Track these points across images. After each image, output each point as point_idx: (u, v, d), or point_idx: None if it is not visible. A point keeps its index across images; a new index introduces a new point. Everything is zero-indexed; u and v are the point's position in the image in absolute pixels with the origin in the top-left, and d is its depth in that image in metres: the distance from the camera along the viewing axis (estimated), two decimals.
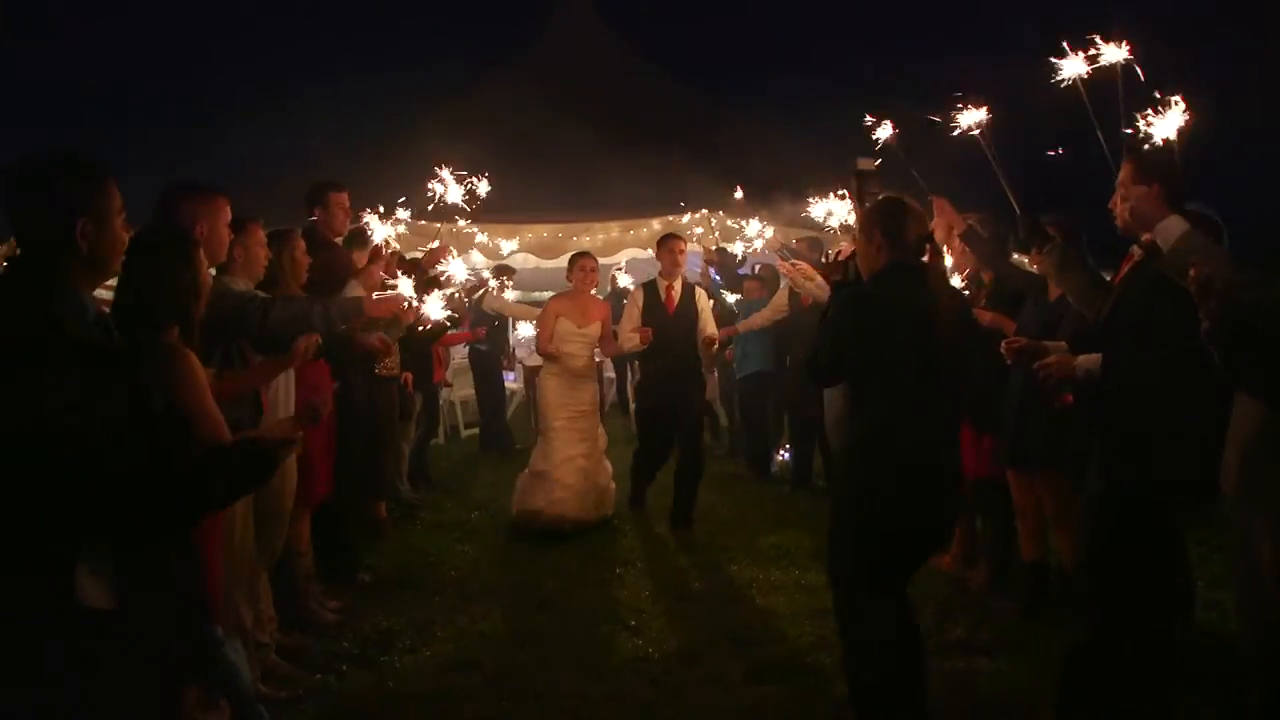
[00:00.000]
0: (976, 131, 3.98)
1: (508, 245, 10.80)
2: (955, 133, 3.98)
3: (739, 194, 9.06)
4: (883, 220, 3.66)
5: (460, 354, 11.69)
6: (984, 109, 3.99)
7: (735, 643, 4.82)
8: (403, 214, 5.20)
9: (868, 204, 4.11)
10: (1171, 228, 3.15)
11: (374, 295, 4.70)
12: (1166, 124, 3.32)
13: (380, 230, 4.92)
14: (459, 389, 11.88)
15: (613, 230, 10.83)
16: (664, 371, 7.13)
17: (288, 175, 10.02)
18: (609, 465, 7.42)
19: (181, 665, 2.57)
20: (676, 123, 12.70)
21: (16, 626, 2.07)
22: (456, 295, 7.88)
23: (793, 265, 5.71)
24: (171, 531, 2.30)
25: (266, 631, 4.30)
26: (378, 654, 4.67)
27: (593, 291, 7.46)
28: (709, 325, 7.33)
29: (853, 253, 3.92)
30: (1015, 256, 5.40)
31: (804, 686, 4.33)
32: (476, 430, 11.18)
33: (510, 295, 10.23)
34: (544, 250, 10.96)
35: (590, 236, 10.89)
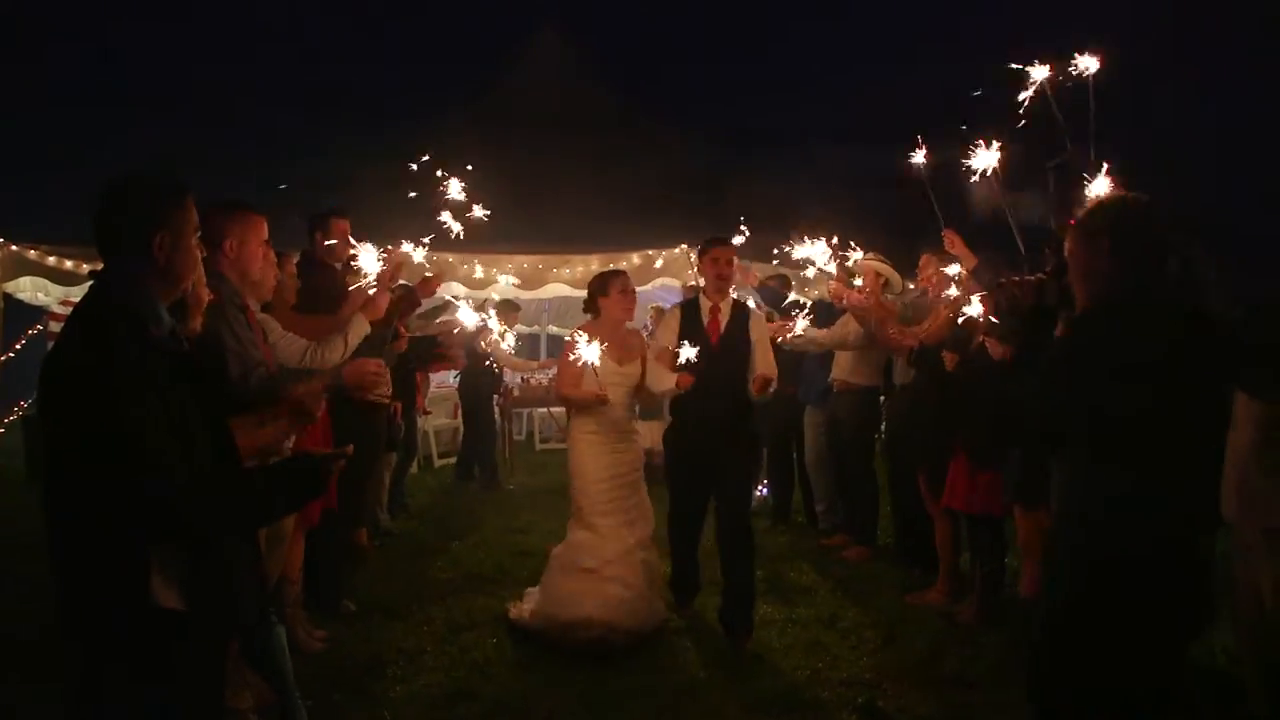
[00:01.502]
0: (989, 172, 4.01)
1: (503, 278, 10.82)
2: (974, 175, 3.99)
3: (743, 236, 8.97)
4: (1125, 226, 2.77)
5: (438, 380, 11.65)
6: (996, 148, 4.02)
7: (731, 677, 4.80)
8: (407, 246, 5.16)
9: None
10: None
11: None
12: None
13: (368, 261, 4.82)
14: (434, 418, 11.82)
15: (592, 263, 10.86)
16: (703, 418, 5.40)
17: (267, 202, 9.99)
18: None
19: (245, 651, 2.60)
20: (657, 157, 12.81)
21: (95, 627, 2.18)
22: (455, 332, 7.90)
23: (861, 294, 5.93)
24: (236, 532, 2.40)
25: None
26: (370, 683, 4.60)
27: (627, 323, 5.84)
28: (765, 360, 5.54)
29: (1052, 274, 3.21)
30: None
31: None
32: (452, 460, 11.09)
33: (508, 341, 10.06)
34: (525, 281, 10.97)
35: (570, 269, 10.95)
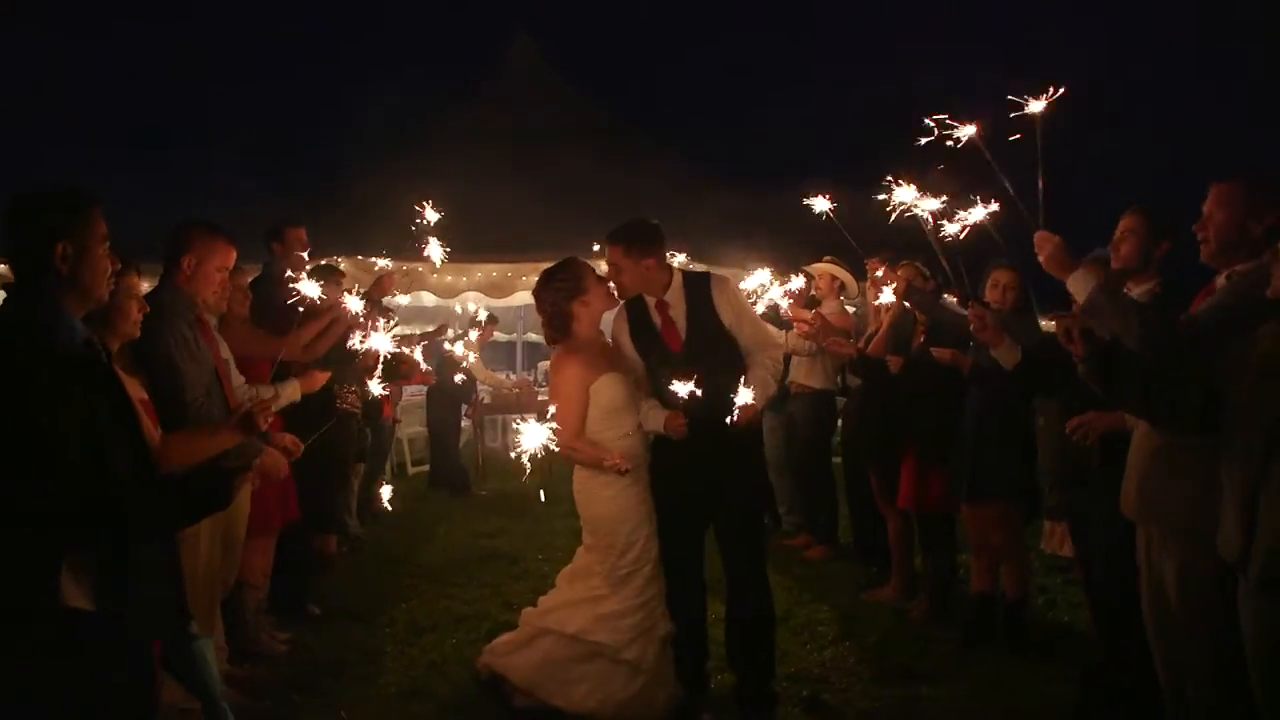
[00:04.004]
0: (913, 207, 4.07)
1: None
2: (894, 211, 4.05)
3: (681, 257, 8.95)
4: None
5: (412, 390, 11.73)
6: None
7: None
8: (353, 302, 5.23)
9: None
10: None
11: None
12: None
13: (309, 289, 4.83)
14: (407, 425, 11.89)
15: None
16: (689, 435, 4.11)
17: (224, 213, 10.07)
18: None
19: (159, 663, 2.65)
20: (627, 165, 12.92)
21: (3, 626, 2.19)
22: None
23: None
24: (150, 539, 2.41)
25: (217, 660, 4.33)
26: (329, 683, 4.70)
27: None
28: (755, 335, 4.40)
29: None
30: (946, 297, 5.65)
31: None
32: (425, 467, 11.19)
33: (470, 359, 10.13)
34: (493, 289, 11.06)
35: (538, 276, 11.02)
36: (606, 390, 4.17)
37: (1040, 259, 3.68)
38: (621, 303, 4.38)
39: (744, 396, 4.02)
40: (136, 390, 3.25)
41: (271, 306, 5.36)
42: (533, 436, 3.91)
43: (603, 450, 4.12)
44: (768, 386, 4.28)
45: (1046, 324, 4.34)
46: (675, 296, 4.33)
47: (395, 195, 6.52)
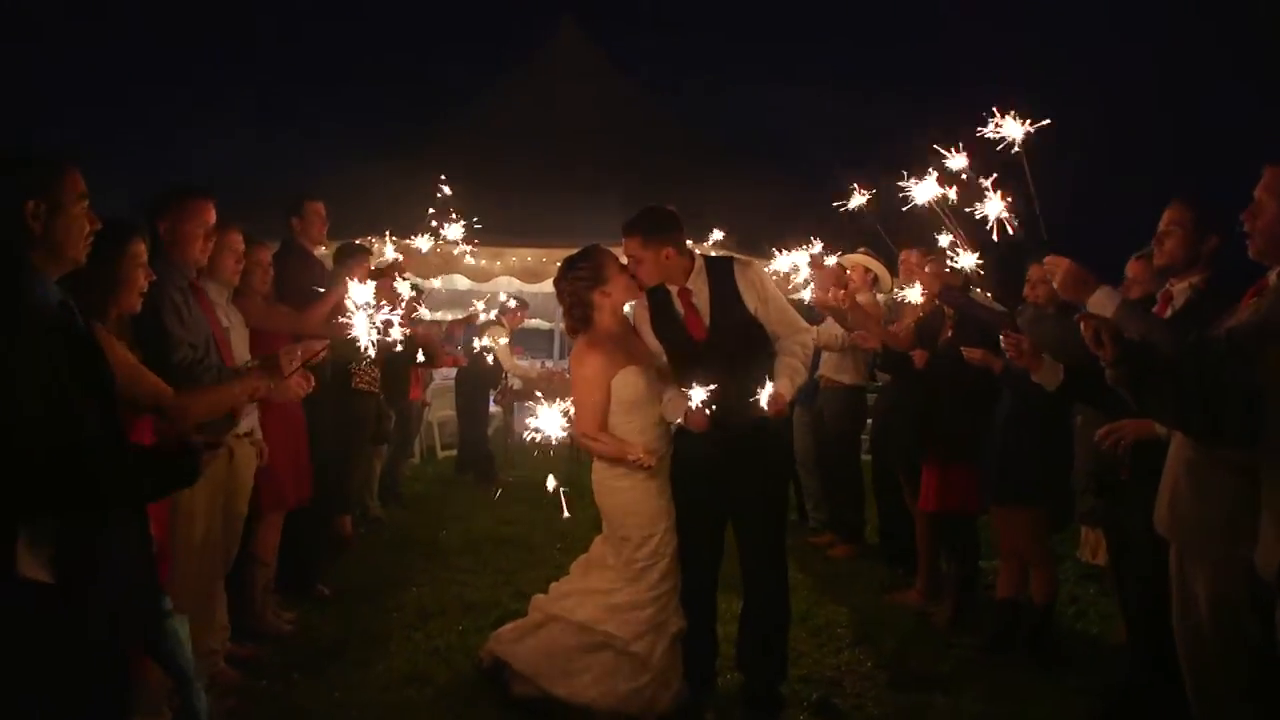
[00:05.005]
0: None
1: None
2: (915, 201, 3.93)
3: (718, 235, 8.88)
4: None
5: (444, 373, 11.67)
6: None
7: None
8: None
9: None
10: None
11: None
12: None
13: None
14: (438, 409, 11.84)
15: None
16: (701, 434, 3.93)
17: (271, 188, 10.06)
18: None
19: (128, 638, 2.55)
20: (669, 150, 12.78)
21: None
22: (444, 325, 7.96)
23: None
24: (114, 506, 2.33)
25: (218, 638, 4.26)
26: (329, 665, 4.62)
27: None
28: (784, 320, 4.19)
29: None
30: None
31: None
32: (454, 451, 11.12)
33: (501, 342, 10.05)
34: (527, 274, 10.98)
35: None
36: (628, 383, 4.02)
37: (1055, 286, 3.53)
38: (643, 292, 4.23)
39: (773, 385, 3.88)
40: (126, 353, 3.16)
41: (291, 281, 5.32)
42: (548, 423, 3.84)
43: (624, 443, 3.99)
44: (797, 374, 4.07)
45: None
46: (698, 283, 4.15)
47: (432, 178, 6.45)
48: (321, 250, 6.59)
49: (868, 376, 7.01)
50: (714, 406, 3.77)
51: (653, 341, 4.24)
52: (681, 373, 4.02)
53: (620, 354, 4.05)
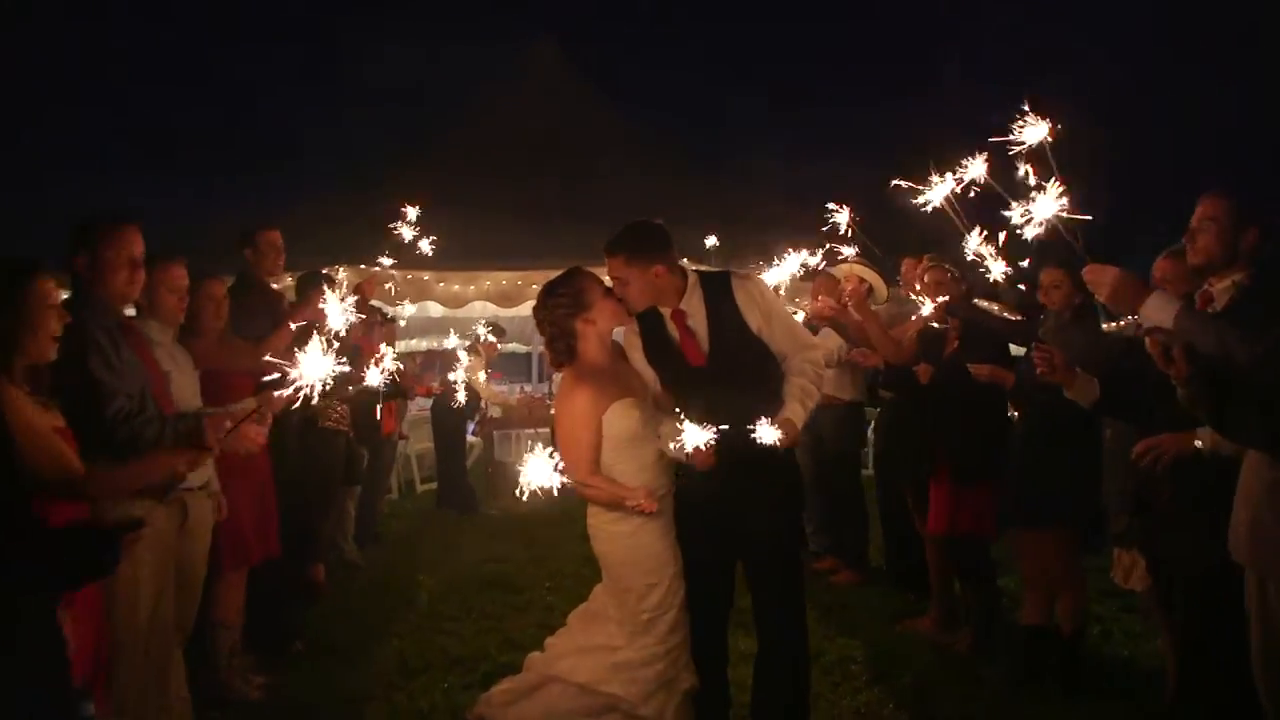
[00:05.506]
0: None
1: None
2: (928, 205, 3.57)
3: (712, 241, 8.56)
4: None
5: (420, 404, 11.27)
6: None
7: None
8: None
9: None
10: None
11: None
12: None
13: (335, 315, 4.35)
14: (416, 441, 11.44)
15: None
16: (719, 470, 3.42)
17: (237, 219, 9.68)
18: None
19: None
20: (644, 169, 12.48)
21: None
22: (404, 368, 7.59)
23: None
24: (21, 594, 1.95)
25: (175, 715, 3.84)
26: None
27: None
28: (791, 338, 3.78)
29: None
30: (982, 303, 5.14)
31: None
32: (434, 485, 10.71)
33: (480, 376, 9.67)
34: (503, 299, 10.59)
35: None
36: (620, 419, 3.58)
37: (1102, 297, 3.20)
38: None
39: (782, 410, 3.49)
40: (50, 420, 2.75)
41: (248, 317, 4.93)
42: (538, 472, 3.31)
43: (622, 487, 3.53)
44: (809, 395, 3.64)
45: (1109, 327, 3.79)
46: (693, 303, 3.71)
47: (404, 202, 6.09)
48: (288, 283, 6.24)
49: (865, 393, 6.67)
50: (718, 439, 3.32)
51: (646, 370, 3.80)
52: (680, 403, 3.58)
53: (611, 386, 3.62)
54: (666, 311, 3.74)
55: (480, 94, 15.21)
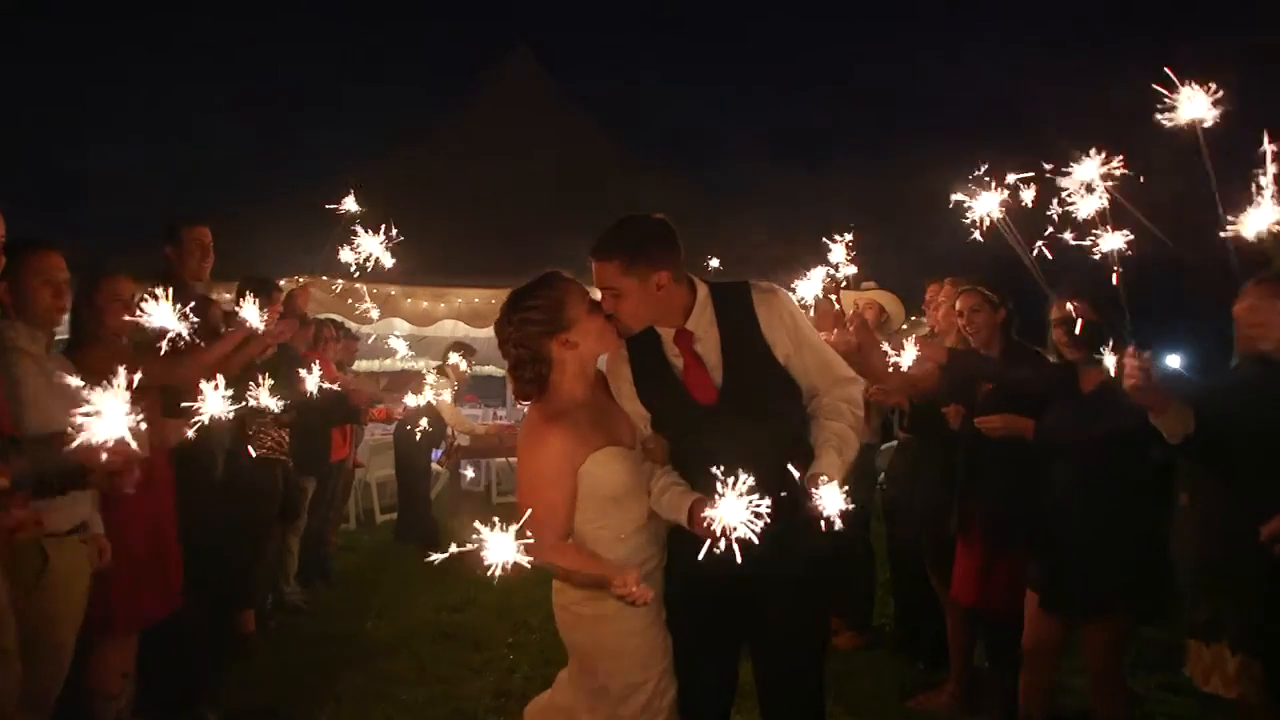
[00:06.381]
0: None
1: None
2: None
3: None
4: None
5: (383, 428, 10.50)
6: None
7: None
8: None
9: None
10: None
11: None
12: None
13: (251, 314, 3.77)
14: (376, 468, 10.64)
15: None
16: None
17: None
18: None
19: None
20: (622, 185, 11.84)
21: None
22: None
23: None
24: None
25: None
26: None
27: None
28: (822, 368, 2.96)
29: None
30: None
31: None
32: (394, 515, 9.90)
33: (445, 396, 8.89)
34: (475, 318, 9.87)
35: None
36: (605, 471, 2.79)
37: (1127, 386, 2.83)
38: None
39: (815, 465, 2.68)
40: None
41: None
42: (499, 548, 2.49)
43: (603, 564, 2.73)
44: (847, 445, 2.79)
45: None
46: (702, 323, 2.89)
47: (373, 213, 5.39)
48: (226, 297, 5.49)
49: (878, 434, 5.93)
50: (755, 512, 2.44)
51: (633, 406, 2.98)
52: (681, 451, 2.83)
53: (592, 430, 2.83)
54: (668, 333, 2.93)
55: (454, 104, 14.61)
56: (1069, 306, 3.72)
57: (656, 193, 11.94)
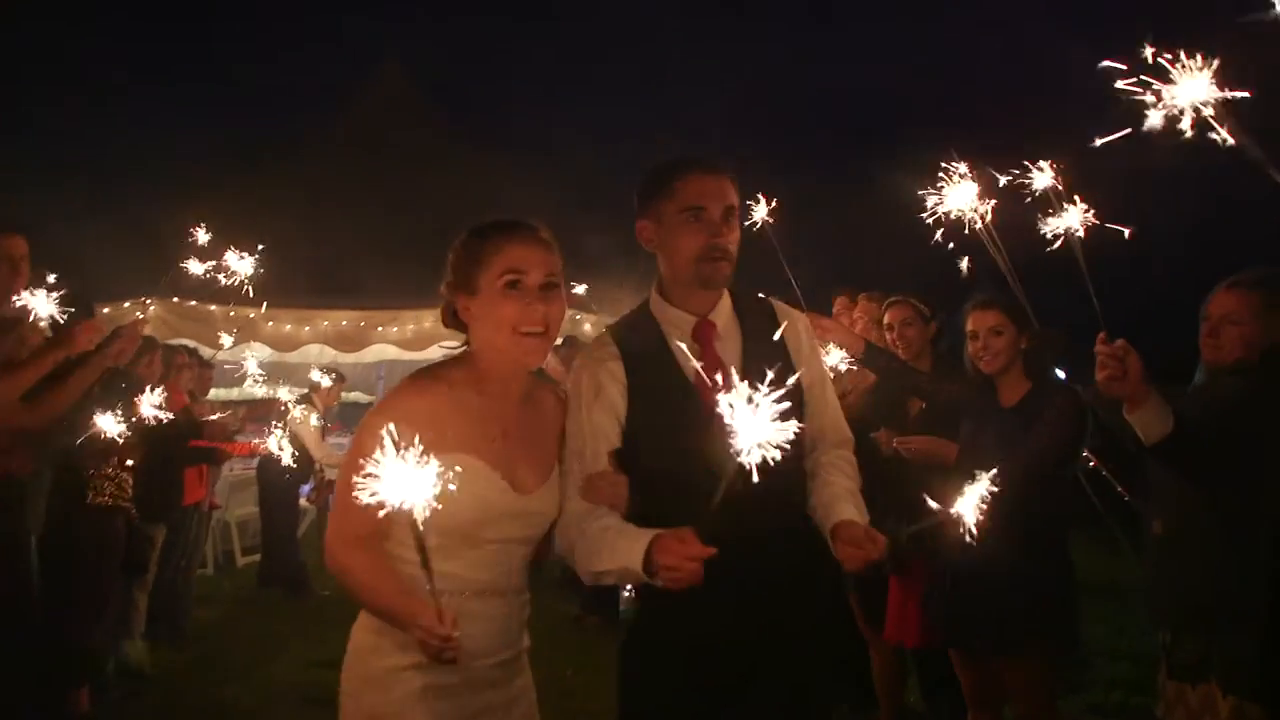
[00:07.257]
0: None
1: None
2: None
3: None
4: None
5: (245, 462, 9.70)
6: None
7: None
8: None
9: None
10: None
11: None
12: None
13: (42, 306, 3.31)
14: (237, 506, 9.83)
15: (425, 320, 9.18)
16: (720, 593, 1.99)
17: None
18: None
19: None
20: (502, 202, 11.38)
21: None
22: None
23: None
24: None
25: None
26: None
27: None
28: (827, 419, 2.56)
29: None
30: None
31: None
32: (257, 557, 9.12)
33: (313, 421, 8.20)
34: (343, 342, 9.25)
35: (399, 326, 9.30)
36: (461, 487, 1.91)
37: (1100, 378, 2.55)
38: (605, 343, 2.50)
39: (839, 514, 2.27)
40: None
41: None
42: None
43: (413, 599, 2.00)
44: (860, 506, 2.36)
45: None
46: (723, 315, 2.46)
47: (230, 232, 4.81)
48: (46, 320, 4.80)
49: None
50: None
51: (605, 419, 2.34)
52: (665, 474, 2.27)
53: (470, 428, 2.15)
54: (684, 326, 2.43)
55: (321, 119, 13.88)
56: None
57: (538, 201, 11.57)
